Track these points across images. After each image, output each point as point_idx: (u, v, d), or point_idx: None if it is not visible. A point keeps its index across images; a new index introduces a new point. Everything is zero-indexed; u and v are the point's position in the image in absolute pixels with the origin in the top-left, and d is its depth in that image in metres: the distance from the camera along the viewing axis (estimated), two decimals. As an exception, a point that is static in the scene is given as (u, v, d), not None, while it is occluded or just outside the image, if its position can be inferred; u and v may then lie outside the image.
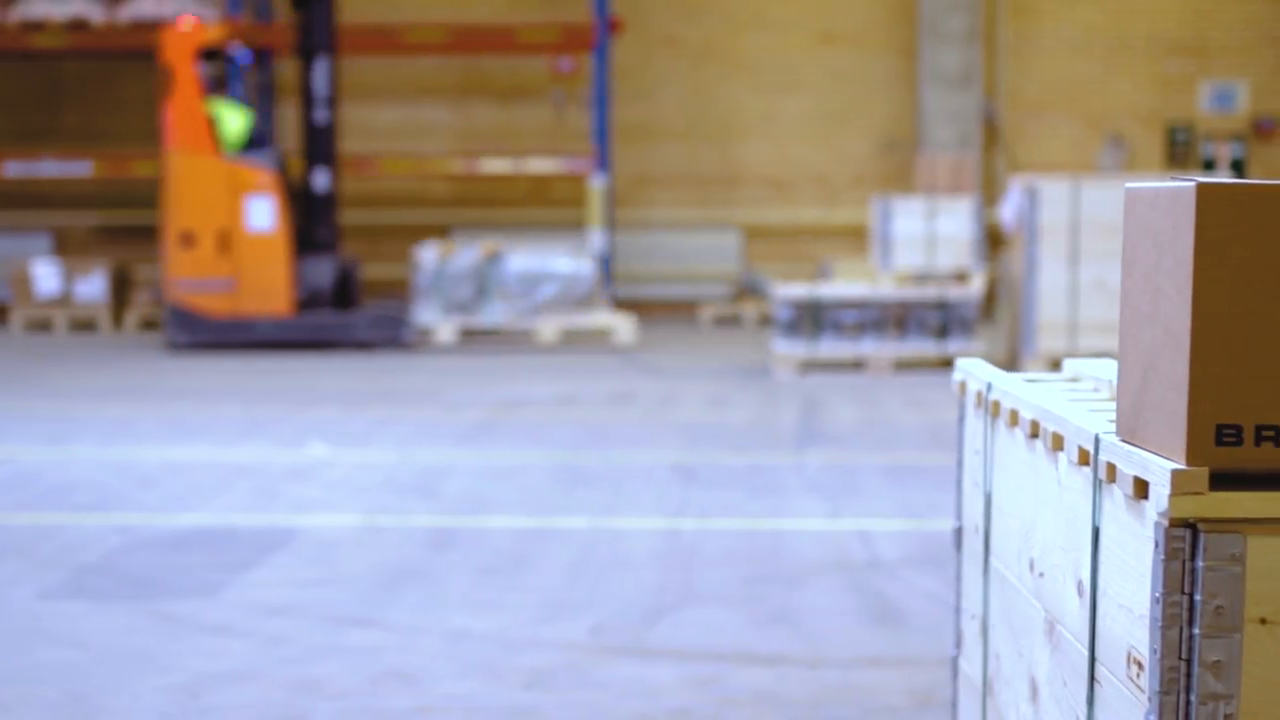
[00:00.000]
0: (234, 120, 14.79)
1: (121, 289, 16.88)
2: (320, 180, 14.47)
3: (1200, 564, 2.14)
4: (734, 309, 17.29)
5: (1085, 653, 2.52)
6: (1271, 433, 2.15)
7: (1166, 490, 2.14)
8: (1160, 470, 2.17)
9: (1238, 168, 17.87)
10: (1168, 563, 2.15)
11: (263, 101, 18.17)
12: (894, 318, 12.60)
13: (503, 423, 10.09)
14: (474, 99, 18.35)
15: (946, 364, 12.30)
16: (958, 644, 3.48)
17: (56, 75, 18.24)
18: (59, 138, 18.15)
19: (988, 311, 15.92)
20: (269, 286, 14.13)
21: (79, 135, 18.18)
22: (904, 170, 17.81)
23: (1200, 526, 2.14)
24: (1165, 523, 2.15)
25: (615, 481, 8.16)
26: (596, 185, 16.71)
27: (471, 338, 14.73)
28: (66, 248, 17.96)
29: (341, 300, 14.43)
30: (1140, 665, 2.24)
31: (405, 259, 18.15)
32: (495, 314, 14.49)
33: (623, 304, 17.81)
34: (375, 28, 17.29)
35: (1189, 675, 2.16)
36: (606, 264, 16.98)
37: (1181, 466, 2.14)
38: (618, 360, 13.51)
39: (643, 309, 18.01)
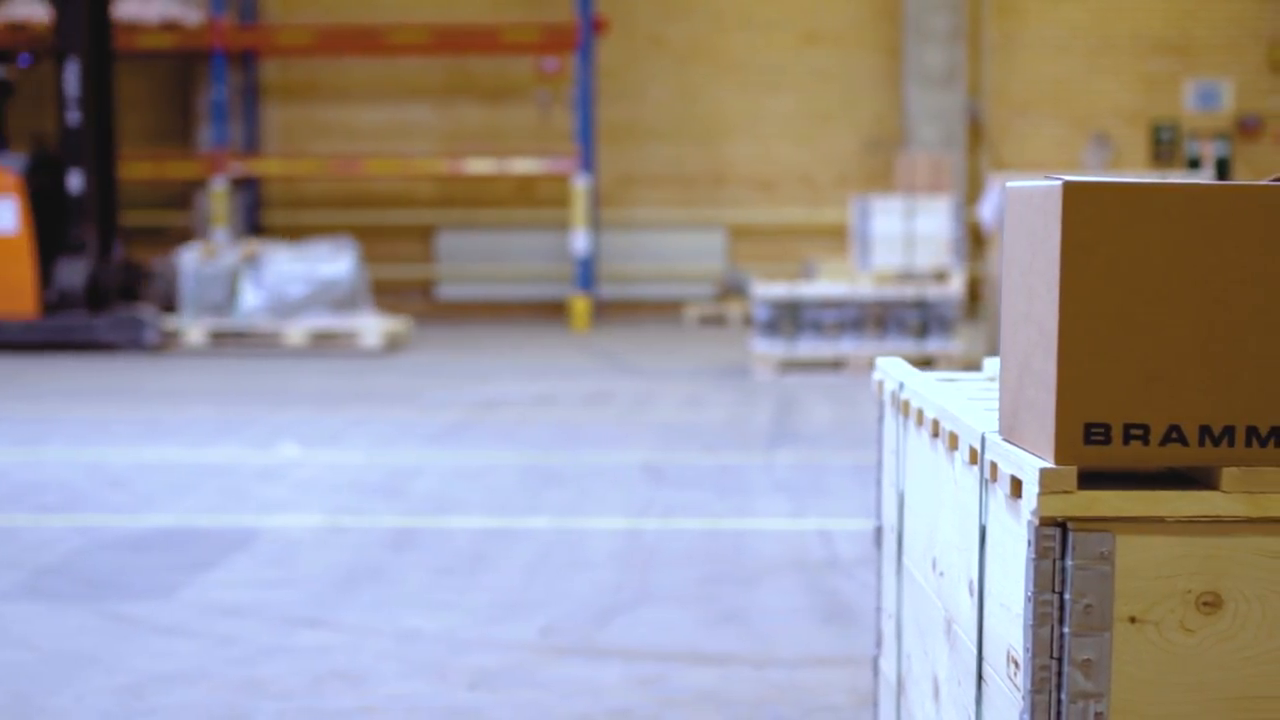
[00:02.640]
0: None
1: None
2: (74, 182, 14.40)
3: (1070, 563, 2.14)
4: (719, 309, 17.29)
5: (974, 652, 2.52)
6: (1140, 431, 2.14)
7: (1036, 489, 2.14)
8: (1031, 469, 2.17)
9: (1222, 166, 17.87)
10: (1038, 561, 2.15)
11: (249, 102, 18.18)
12: (873, 317, 12.60)
13: (477, 422, 10.09)
14: (458, 99, 18.35)
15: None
16: (878, 643, 3.48)
17: (43, 77, 18.22)
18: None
19: (971, 311, 15.92)
20: (11, 288, 14.29)
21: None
22: (889, 169, 17.80)
23: (1069, 525, 2.14)
24: (1036, 521, 2.15)
25: (583, 481, 8.16)
26: (580, 185, 16.71)
27: (222, 340, 14.62)
28: None
29: (96, 302, 14.37)
30: (1017, 664, 2.24)
31: (392, 260, 18.16)
32: (245, 316, 14.49)
33: (607, 304, 17.82)
34: (359, 28, 17.29)
35: (1060, 674, 2.16)
36: (590, 263, 16.98)
37: (1050, 465, 2.14)
38: (591, 360, 13.51)
39: (628, 309, 18.02)
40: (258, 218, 18.42)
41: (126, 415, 10.48)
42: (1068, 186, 2.12)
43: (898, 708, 3.23)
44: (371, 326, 14.39)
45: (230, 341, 14.57)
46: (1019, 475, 2.23)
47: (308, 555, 6.65)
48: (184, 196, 18.25)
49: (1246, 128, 18.01)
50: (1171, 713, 2.15)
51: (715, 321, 17.21)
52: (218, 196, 17.03)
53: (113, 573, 6.35)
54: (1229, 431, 2.15)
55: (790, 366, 12.51)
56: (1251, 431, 2.15)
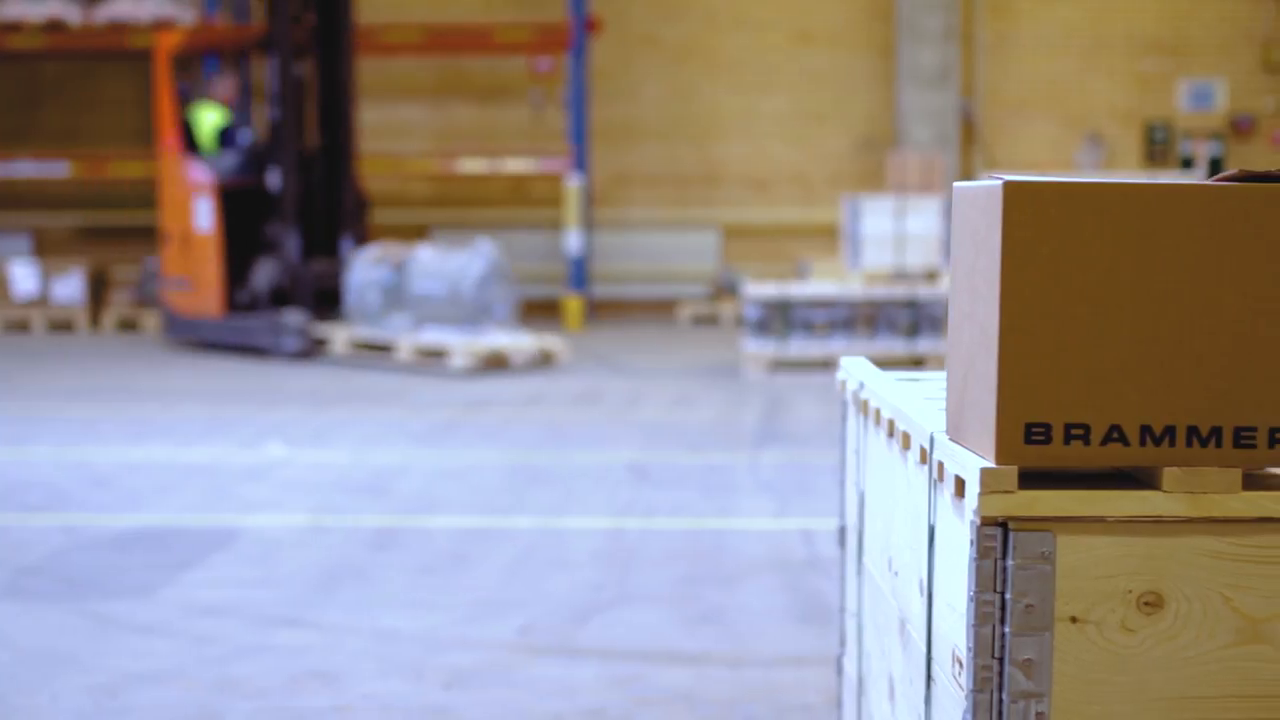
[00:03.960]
0: (210, 121, 14.70)
1: (99, 290, 16.89)
2: (273, 180, 14.05)
3: (1011, 562, 2.14)
4: (712, 309, 17.28)
5: (924, 651, 2.52)
6: (1080, 431, 2.15)
7: (977, 489, 2.14)
8: (973, 469, 2.17)
9: (1216, 166, 17.86)
10: (980, 561, 2.16)
11: (241, 102, 18.18)
12: (864, 317, 12.60)
13: (466, 422, 10.09)
14: (452, 99, 18.35)
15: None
16: (841, 643, 3.48)
17: (34, 76, 18.24)
18: (37, 138, 18.15)
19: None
20: (203, 287, 14.17)
21: (57, 136, 18.18)
22: (883, 169, 17.80)
23: (1010, 525, 2.14)
24: (977, 521, 2.15)
25: (568, 481, 8.16)
26: (573, 185, 16.71)
27: (361, 351, 13.34)
28: (45, 248, 17.96)
29: (282, 304, 13.99)
30: (961, 664, 2.24)
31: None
32: (386, 325, 13.30)
33: (600, 303, 17.81)
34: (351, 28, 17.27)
35: (1002, 674, 2.16)
36: (583, 263, 16.98)
37: (991, 465, 2.15)
38: (582, 359, 13.51)
39: (621, 308, 18.02)
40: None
41: (165, 414, 10.49)
42: (1008, 186, 2.12)
43: (859, 707, 3.23)
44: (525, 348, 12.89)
45: (367, 354, 13.28)
46: (962, 475, 2.23)
47: (289, 555, 6.65)
48: (178, 196, 18.22)
49: (1240, 128, 18.00)
50: (1112, 712, 2.15)
51: (708, 321, 17.20)
52: (211, 196, 17.01)
53: (94, 572, 6.35)
54: (1170, 431, 2.15)
55: (781, 366, 12.51)
56: (1192, 431, 2.15)
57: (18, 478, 8.27)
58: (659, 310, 17.89)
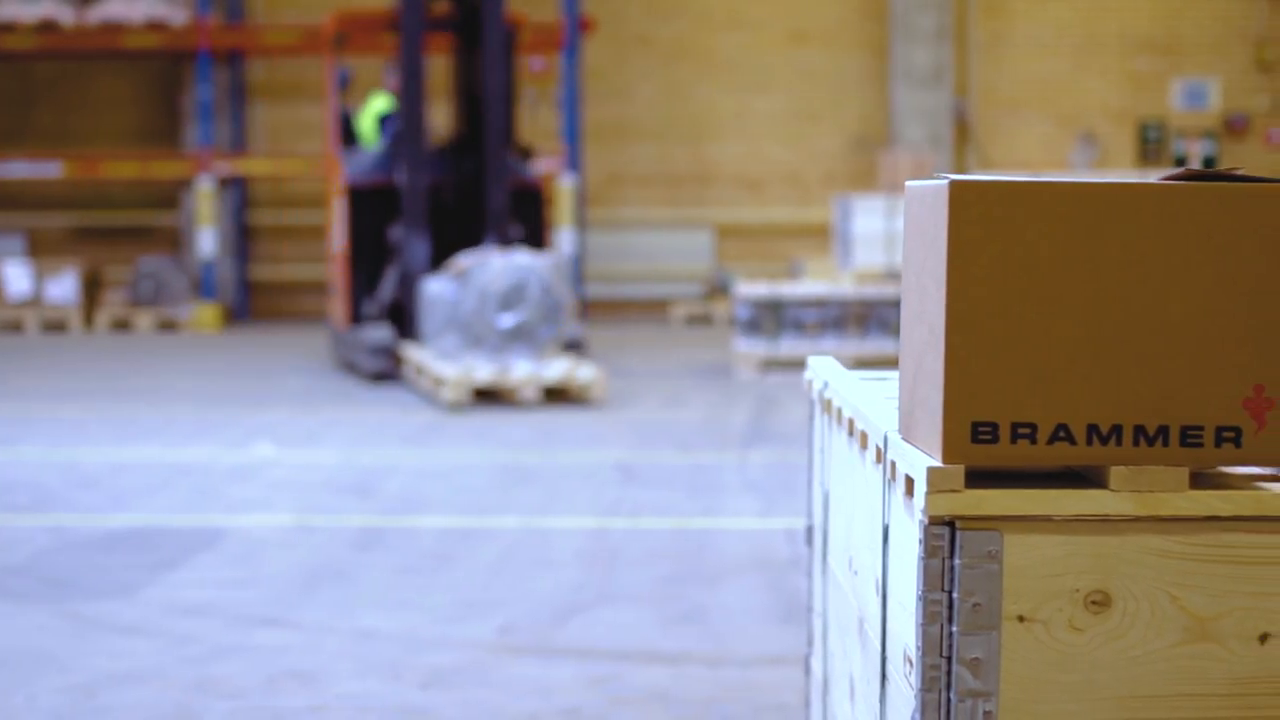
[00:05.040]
0: (377, 110, 13.36)
1: (92, 290, 16.90)
2: (399, 176, 12.40)
3: (958, 561, 2.14)
4: (706, 308, 17.29)
5: (879, 650, 2.52)
6: (1028, 430, 2.15)
7: (924, 488, 2.14)
8: (920, 468, 2.17)
9: (1209, 165, 17.85)
10: (927, 560, 2.16)
11: (236, 101, 18.19)
12: (855, 316, 12.61)
13: (450, 420, 10.09)
14: (445, 99, 18.34)
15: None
16: (809, 642, 3.49)
17: (28, 76, 18.24)
18: (30, 139, 18.15)
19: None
20: (338, 296, 13.05)
21: (50, 136, 18.18)
22: (876, 169, 17.80)
23: (958, 524, 2.14)
24: (925, 520, 2.15)
25: (555, 481, 8.16)
26: (566, 185, 16.71)
27: (418, 375, 11.55)
28: (39, 249, 17.96)
29: (398, 317, 12.18)
30: (912, 663, 2.24)
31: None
32: (441, 348, 11.22)
33: (593, 303, 17.81)
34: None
35: (950, 673, 2.16)
36: (577, 263, 16.98)
37: (938, 464, 2.15)
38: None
39: (614, 308, 18.02)
40: (244, 218, 18.41)
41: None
42: (953, 185, 2.12)
43: (824, 707, 3.24)
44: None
45: (418, 376, 11.41)
46: (912, 474, 2.24)
47: (273, 555, 6.65)
48: (171, 196, 18.25)
49: (1233, 127, 18.00)
50: (1060, 711, 2.15)
51: (702, 321, 17.21)
52: (204, 196, 17.04)
53: (77, 572, 6.35)
54: (1117, 430, 2.15)
55: (772, 366, 12.51)
56: (1139, 430, 2.15)
57: (6, 478, 8.27)
58: (652, 310, 17.89)
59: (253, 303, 18.33)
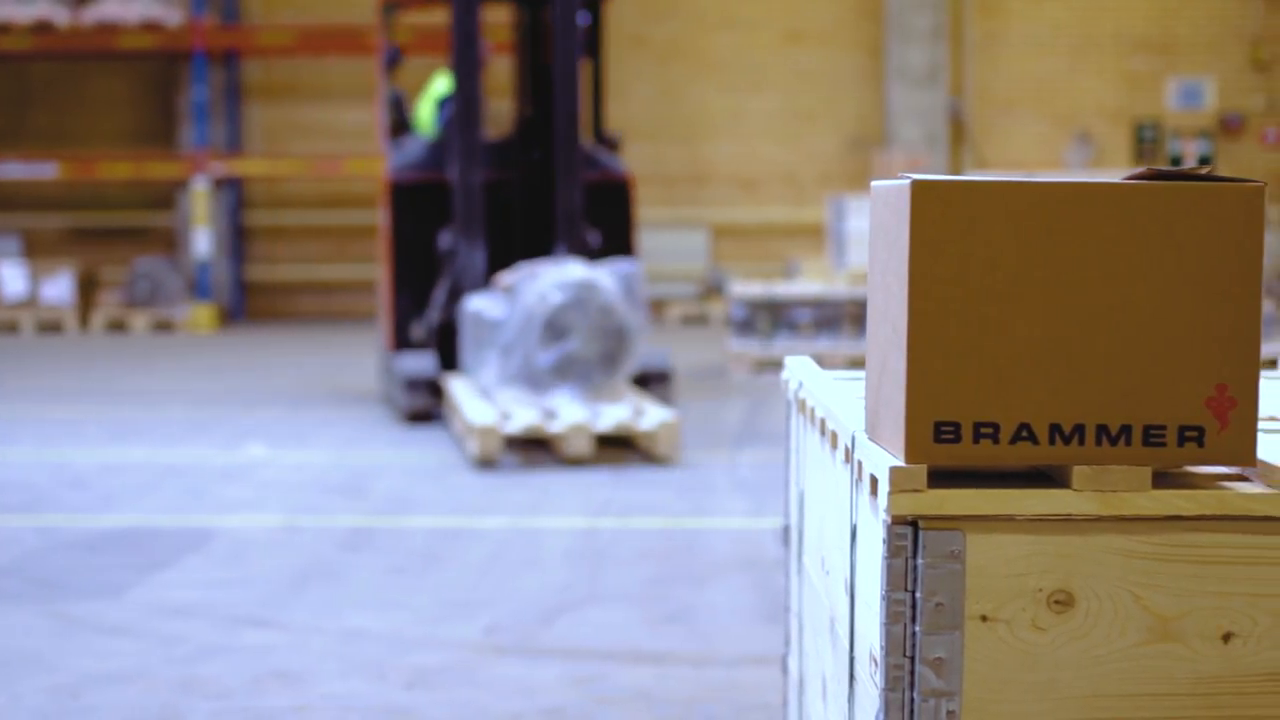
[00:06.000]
0: (439, 91, 11.73)
1: (88, 291, 16.90)
2: (450, 171, 10.31)
3: (921, 561, 2.14)
4: (701, 308, 17.30)
5: (848, 650, 2.52)
6: (990, 430, 2.15)
7: (888, 487, 2.14)
8: (883, 468, 2.17)
9: (1205, 164, 17.86)
10: (891, 560, 2.16)
11: (231, 102, 18.20)
12: (849, 316, 12.61)
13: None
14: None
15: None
16: (786, 642, 3.49)
17: (23, 77, 18.24)
18: (25, 139, 18.15)
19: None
20: (383, 313, 10.85)
21: (46, 137, 18.19)
22: (871, 169, 17.81)
23: (921, 524, 2.15)
24: (888, 520, 2.16)
25: (544, 480, 8.16)
26: (562, 185, 16.68)
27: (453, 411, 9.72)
28: (34, 249, 17.97)
29: (447, 339, 9.93)
30: (876, 663, 2.24)
31: (374, 260, 18.15)
32: (479, 375, 9.16)
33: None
34: (341, 28, 17.29)
35: (913, 672, 2.16)
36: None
37: (901, 464, 2.15)
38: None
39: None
40: (240, 218, 18.42)
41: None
42: (915, 185, 2.12)
43: (800, 706, 3.24)
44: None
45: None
46: (876, 474, 2.24)
47: (262, 555, 6.65)
48: (166, 197, 18.25)
49: (1229, 126, 18.01)
50: (1023, 710, 2.16)
51: (698, 321, 17.22)
52: (199, 196, 17.04)
53: (65, 573, 6.35)
54: (1079, 430, 2.15)
55: (767, 366, 12.51)
56: (1102, 430, 2.15)
57: (-5, 479, 8.28)
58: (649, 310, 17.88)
59: (248, 303, 18.33)
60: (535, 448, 8.83)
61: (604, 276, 8.96)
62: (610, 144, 11.25)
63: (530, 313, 8.76)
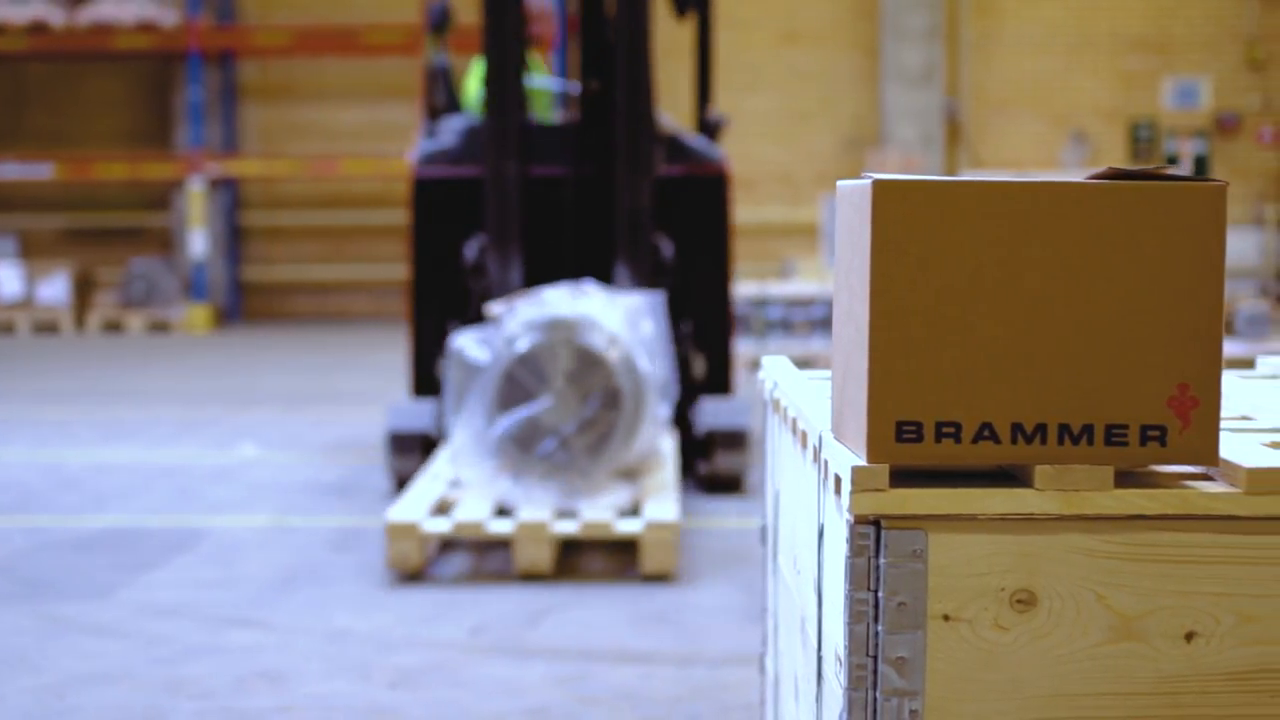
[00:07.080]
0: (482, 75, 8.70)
1: (84, 291, 16.91)
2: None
3: (883, 561, 2.14)
4: (697, 308, 17.27)
5: (816, 649, 2.52)
6: (952, 429, 2.15)
7: (850, 487, 2.14)
8: (846, 467, 2.17)
9: (1200, 164, 17.87)
10: (854, 559, 2.16)
11: (227, 103, 18.21)
12: (843, 316, 12.60)
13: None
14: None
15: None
16: (764, 642, 3.49)
17: (18, 78, 18.24)
18: (21, 140, 18.16)
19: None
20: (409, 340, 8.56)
21: (42, 137, 18.19)
22: (868, 168, 17.82)
23: (883, 523, 2.15)
24: (851, 519, 2.16)
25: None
26: (557, 185, 16.67)
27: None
28: (30, 250, 17.98)
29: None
30: (841, 662, 2.25)
31: (371, 260, 18.16)
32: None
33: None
34: (337, 29, 17.30)
35: (876, 672, 2.16)
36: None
37: (863, 463, 2.15)
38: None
39: (606, 308, 18.02)
40: (236, 219, 18.42)
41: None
42: (877, 184, 2.12)
43: (775, 705, 3.24)
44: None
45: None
46: (840, 473, 2.24)
47: (251, 556, 6.65)
48: (162, 197, 18.25)
49: (1225, 125, 18.00)
50: (986, 710, 2.16)
51: (693, 321, 17.19)
52: (195, 197, 17.05)
53: (52, 573, 6.35)
54: (1041, 429, 2.15)
55: (760, 366, 12.51)
56: (1064, 429, 2.15)
57: (-14, 479, 8.28)
58: (644, 310, 17.89)
59: (244, 304, 18.33)
60: (495, 546, 6.67)
61: (608, 311, 6.55)
62: (713, 129, 9.39)
63: (500, 358, 6.43)
